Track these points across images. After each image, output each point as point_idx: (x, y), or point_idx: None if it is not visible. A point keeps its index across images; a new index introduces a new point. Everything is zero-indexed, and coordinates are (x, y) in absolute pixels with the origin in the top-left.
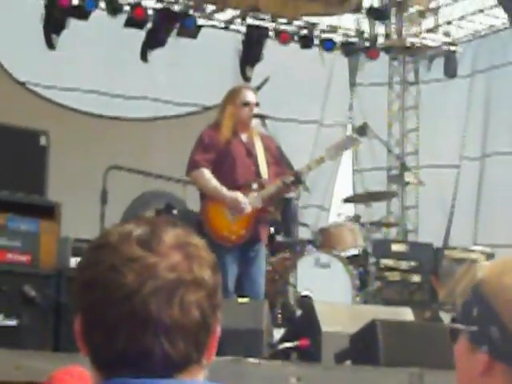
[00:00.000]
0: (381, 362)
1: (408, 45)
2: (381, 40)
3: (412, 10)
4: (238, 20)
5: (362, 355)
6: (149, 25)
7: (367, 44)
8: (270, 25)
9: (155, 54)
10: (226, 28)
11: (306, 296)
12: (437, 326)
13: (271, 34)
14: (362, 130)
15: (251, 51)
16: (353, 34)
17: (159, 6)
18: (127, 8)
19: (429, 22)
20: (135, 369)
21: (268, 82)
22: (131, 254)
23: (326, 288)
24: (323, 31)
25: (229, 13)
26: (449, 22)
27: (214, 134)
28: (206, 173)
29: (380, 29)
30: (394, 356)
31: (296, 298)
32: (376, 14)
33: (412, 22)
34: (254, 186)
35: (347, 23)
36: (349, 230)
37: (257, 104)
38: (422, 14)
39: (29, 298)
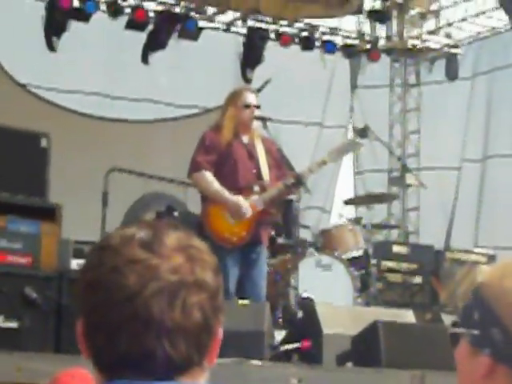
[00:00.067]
0: (382, 364)
1: (409, 47)
2: (382, 42)
3: (413, 11)
4: (239, 22)
5: (363, 357)
6: (150, 27)
7: (368, 46)
8: (271, 27)
9: (156, 56)
10: (227, 30)
11: (307, 298)
12: (438, 327)
13: (272, 36)
14: (363, 132)
15: (252, 53)
16: (354, 35)
17: (160, 8)
18: (128, 10)
19: (430, 24)
20: (137, 371)
21: (269, 84)
22: (133, 255)
23: (328, 290)
24: (324, 33)
25: (230, 15)
26: (450, 24)
27: (216, 136)
28: (208, 175)
29: (381, 31)
30: (395, 358)
31: (297, 299)
32: (377, 16)
33: (413, 24)
34: (256, 188)
35: (348, 25)
36: (350, 232)
37: (258, 106)
38: (423, 16)
39: (30, 300)
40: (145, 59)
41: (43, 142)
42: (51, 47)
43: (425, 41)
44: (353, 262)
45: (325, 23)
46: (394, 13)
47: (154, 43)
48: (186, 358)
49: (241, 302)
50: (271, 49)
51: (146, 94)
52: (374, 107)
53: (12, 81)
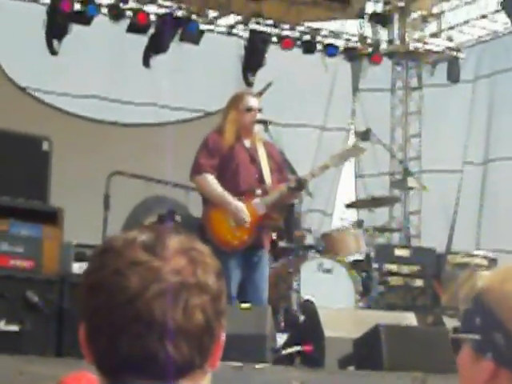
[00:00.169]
0: (384, 367)
1: (411, 50)
2: (384, 45)
3: (415, 15)
4: (241, 25)
5: (365, 360)
6: (151, 30)
7: (370, 49)
8: (273, 30)
9: (158, 60)
10: (229, 33)
11: (309, 301)
12: (440, 330)
13: (274, 39)
14: (365, 135)
15: (254, 56)
16: (355, 39)
17: (162, 11)
18: (130, 13)
19: (432, 27)
20: (139, 373)
21: (271, 87)
22: (135, 257)
23: (329, 293)
24: (326, 36)
25: (231, 18)
26: (452, 27)
27: (219, 139)
28: (211, 179)
29: (383, 34)
30: (397, 361)
31: (299, 303)
32: (379, 19)
33: (415, 27)
34: (258, 192)
35: (350, 28)
36: (352, 235)
37: (259, 109)
38: (424, 19)
39: (31, 304)
40: (146, 62)
41: (45, 146)
42: (52, 50)
43: (426, 44)
44: (354, 265)
45: (327, 27)
46: (396, 16)
47: (156, 46)
48: (188, 361)
49: (243, 305)
50: (273, 52)
51: (147, 98)
52: (376, 110)
53: (13, 84)
